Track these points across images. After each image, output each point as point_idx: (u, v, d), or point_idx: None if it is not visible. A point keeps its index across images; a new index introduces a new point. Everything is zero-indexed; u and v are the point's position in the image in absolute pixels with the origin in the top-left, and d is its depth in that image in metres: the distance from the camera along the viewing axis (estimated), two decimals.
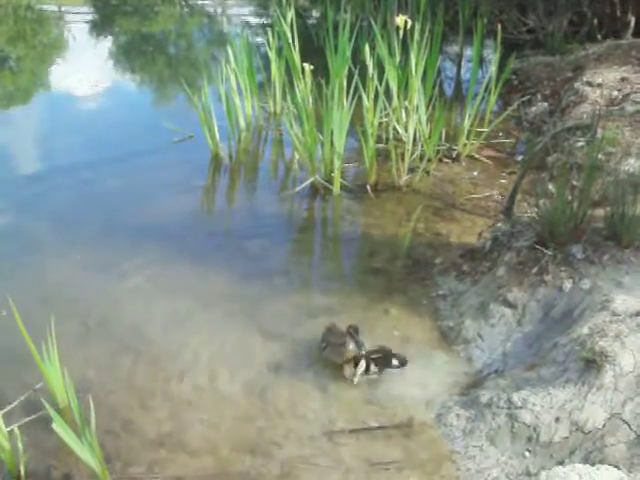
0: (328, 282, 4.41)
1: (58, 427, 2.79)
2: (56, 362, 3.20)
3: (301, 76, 6.22)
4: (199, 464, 3.06)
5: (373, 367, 3.51)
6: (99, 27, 11.76)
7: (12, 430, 2.94)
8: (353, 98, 5.39)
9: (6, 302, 3.25)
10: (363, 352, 3.52)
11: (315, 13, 11.23)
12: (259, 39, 9.96)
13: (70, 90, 8.18)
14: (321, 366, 3.60)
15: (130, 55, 10.37)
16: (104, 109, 7.53)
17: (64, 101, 7.90)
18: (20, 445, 2.92)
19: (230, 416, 3.32)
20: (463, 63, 9.01)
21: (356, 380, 3.49)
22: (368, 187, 5.46)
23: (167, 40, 11.25)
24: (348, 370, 3.52)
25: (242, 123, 6.60)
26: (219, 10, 12.94)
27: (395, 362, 3.52)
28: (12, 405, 3.22)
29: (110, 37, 11.15)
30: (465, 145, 5.98)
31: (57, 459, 3.07)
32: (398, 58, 6.08)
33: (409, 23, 5.71)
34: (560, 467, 2.74)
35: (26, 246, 4.69)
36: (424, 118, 5.66)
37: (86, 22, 11.86)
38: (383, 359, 3.52)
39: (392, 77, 6.03)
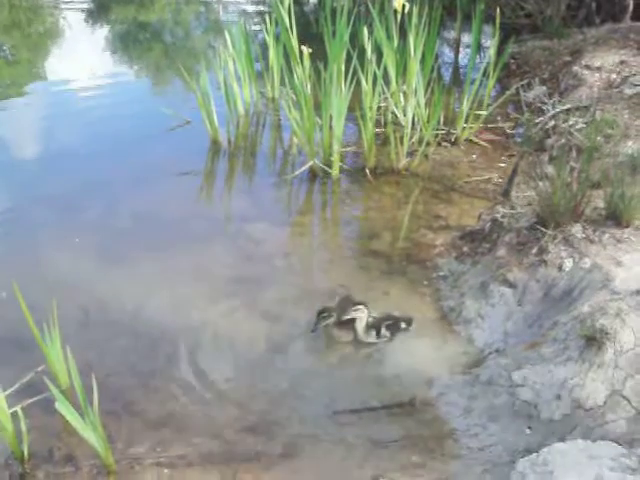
0: (328, 264, 4.43)
1: (61, 406, 2.79)
2: (58, 344, 3.20)
3: (299, 61, 6.19)
4: (201, 444, 3.07)
5: (384, 331, 3.65)
6: (95, 15, 11.68)
7: (15, 412, 2.93)
8: (351, 82, 5.37)
9: (6, 284, 3.25)
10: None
11: None
12: (256, 26, 9.91)
13: (67, 78, 8.14)
14: (322, 346, 3.61)
15: (127, 43, 10.32)
16: (101, 96, 7.47)
17: (61, 89, 7.85)
18: (23, 426, 2.91)
19: (232, 397, 3.33)
20: (461, 48, 8.96)
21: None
22: (367, 171, 5.45)
23: (164, 28, 11.18)
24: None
25: (240, 108, 6.58)
26: None
27: (403, 325, 3.70)
28: (14, 387, 3.21)
29: (106, 25, 11.08)
30: (464, 129, 5.97)
31: (60, 440, 3.08)
32: (396, 42, 6.06)
33: (407, 7, 5.69)
34: (561, 443, 2.75)
35: (25, 230, 4.69)
36: (422, 102, 5.64)
37: (82, 11, 11.78)
38: (393, 325, 3.69)
39: (390, 61, 6.02)
